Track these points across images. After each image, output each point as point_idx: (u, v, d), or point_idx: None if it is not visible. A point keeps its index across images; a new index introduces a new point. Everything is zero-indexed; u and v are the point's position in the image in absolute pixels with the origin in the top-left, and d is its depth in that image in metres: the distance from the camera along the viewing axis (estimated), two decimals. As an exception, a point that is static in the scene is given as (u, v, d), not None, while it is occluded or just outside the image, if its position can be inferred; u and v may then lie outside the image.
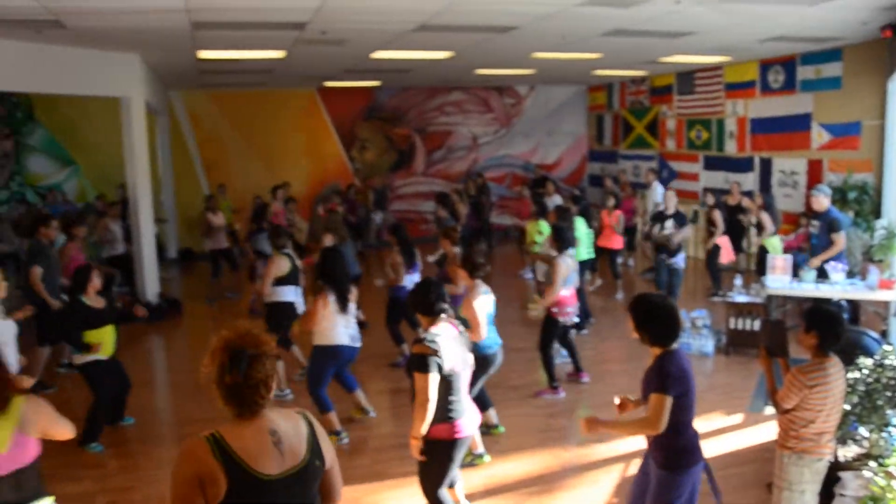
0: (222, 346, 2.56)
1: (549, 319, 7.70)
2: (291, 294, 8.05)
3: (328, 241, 9.09)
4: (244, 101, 17.24)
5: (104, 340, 6.63)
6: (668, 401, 3.81)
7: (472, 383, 5.86)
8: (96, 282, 6.69)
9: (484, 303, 6.10)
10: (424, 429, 4.32)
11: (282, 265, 7.99)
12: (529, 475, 6.01)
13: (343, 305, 6.49)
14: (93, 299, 6.67)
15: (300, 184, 16.98)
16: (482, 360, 5.90)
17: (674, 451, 3.92)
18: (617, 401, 4.35)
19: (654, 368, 3.92)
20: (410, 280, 8.40)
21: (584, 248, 10.36)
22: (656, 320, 3.94)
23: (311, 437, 2.70)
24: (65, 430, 3.65)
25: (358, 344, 6.71)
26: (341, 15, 8.03)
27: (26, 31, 8.61)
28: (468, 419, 4.53)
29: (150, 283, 11.58)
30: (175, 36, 9.19)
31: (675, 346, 3.96)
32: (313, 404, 6.59)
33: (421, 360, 4.30)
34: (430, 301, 4.53)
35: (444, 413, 4.38)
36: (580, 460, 6.26)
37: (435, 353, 4.27)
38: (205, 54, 10.74)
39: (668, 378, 3.82)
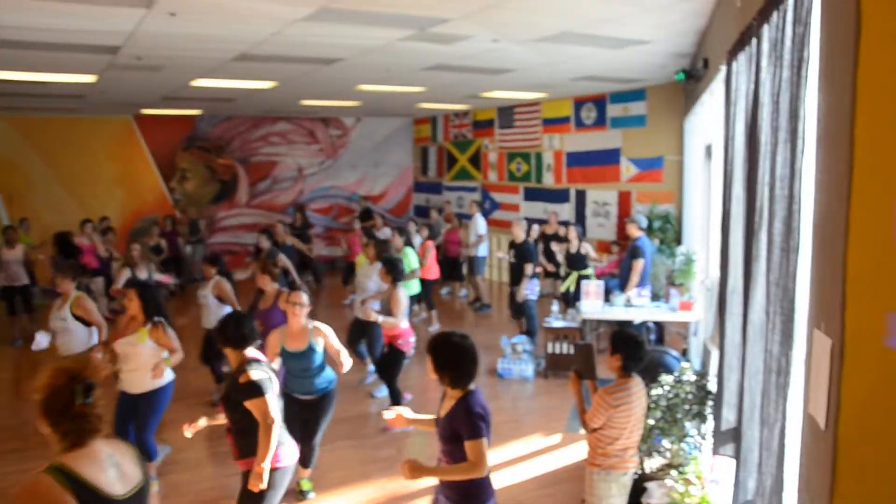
0: (66, 376, 2.64)
1: (396, 351, 7.67)
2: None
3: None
4: (51, 126, 16.20)
5: None
6: (485, 442, 3.75)
7: (316, 429, 5.92)
8: None
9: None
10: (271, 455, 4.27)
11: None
12: (355, 507, 5.97)
13: None
14: None
15: (115, 216, 16.12)
16: (328, 399, 5.95)
17: (472, 486, 3.82)
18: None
19: (461, 412, 3.79)
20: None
21: (414, 280, 10.50)
22: (458, 363, 3.84)
23: (137, 457, 2.83)
24: None
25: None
26: (157, 41, 7.75)
27: None
28: (289, 449, 4.47)
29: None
30: (-33, 55, 8.52)
31: (472, 386, 3.89)
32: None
33: (253, 386, 4.26)
34: (242, 334, 4.45)
35: None
36: (405, 490, 6.28)
37: (266, 376, 4.24)
38: (2, 75, 10.02)
39: (480, 420, 3.75)
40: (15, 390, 9.55)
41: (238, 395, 4.31)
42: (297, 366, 5.79)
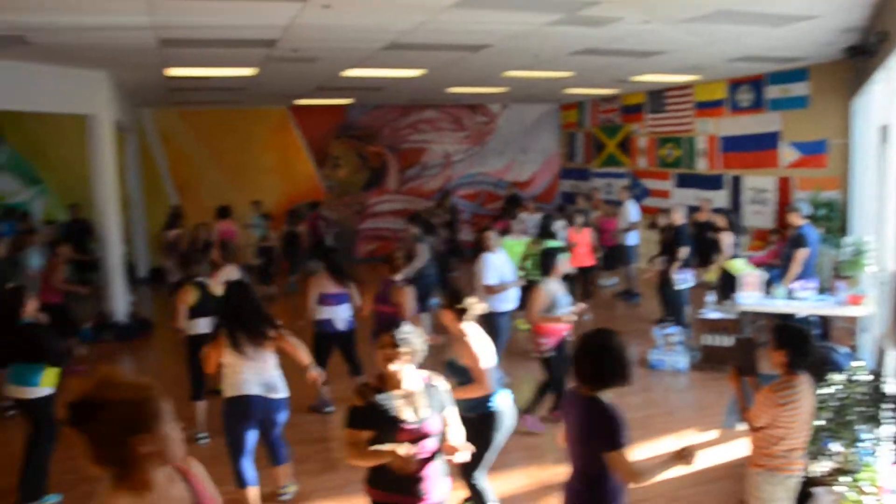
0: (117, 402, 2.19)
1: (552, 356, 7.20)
2: (204, 325, 7.22)
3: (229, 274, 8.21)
4: (215, 119, 17.12)
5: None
6: (626, 452, 3.55)
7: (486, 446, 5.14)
8: (34, 303, 6.12)
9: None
10: None
11: (190, 295, 7.33)
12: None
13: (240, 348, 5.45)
14: (38, 317, 6.30)
15: (271, 202, 16.85)
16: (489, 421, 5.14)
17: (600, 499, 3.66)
18: None
19: (596, 419, 3.59)
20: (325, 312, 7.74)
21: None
22: (608, 363, 3.63)
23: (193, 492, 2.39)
24: None
25: (277, 395, 5.60)
26: (312, 33, 7.98)
27: (-10, 48, 8.48)
28: None
29: (120, 302, 11.39)
30: (143, 53, 9.08)
31: (607, 394, 3.65)
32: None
33: None
34: None
35: None
36: (553, 479, 6.20)
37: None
38: (173, 72, 10.65)
39: (620, 428, 3.55)
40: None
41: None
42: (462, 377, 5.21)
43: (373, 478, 3.82)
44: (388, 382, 3.76)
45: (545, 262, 7.32)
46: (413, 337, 3.77)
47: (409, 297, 7.25)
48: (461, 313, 5.21)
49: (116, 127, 11.84)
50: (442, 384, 3.87)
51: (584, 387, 3.69)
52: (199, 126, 17.12)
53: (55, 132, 15.71)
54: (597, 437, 3.57)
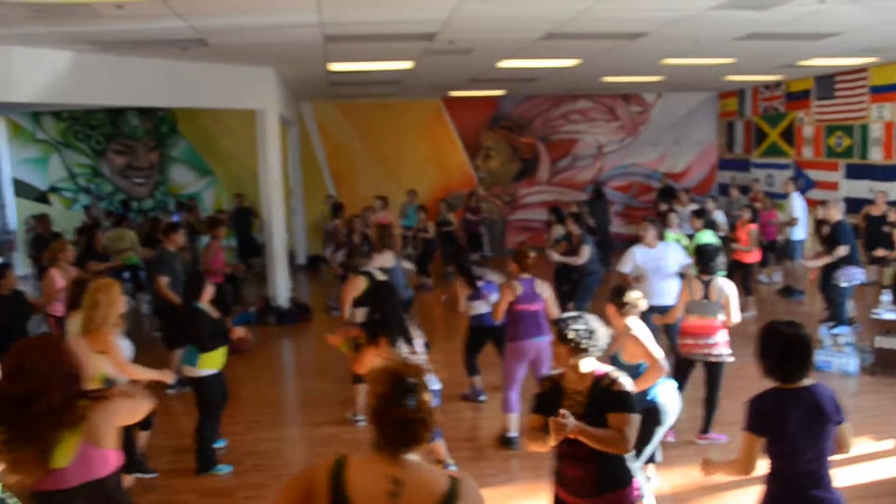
0: (386, 377, 2.41)
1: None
2: None
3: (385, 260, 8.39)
4: (371, 111, 17.64)
5: (222, 353, 6.39)
6: (755, 441, 3.43)
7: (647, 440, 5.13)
8: (209, 291, 6.46)
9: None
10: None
11: (358, 285, 7.39)
12: None
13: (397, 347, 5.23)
14: (208, 308, 6.45)
15: (425, 193, 17.19)
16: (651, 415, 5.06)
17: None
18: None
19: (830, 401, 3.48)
20: (478, 307, 7.74)
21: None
22: (782, 355, 3.50)
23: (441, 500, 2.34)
24: (141, 409, 3.33)
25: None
26: (470, 24, 8.07)
27: (173, 49, 9.11)
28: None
29: (282, 288, 11.98)
30: (308, 49, 9.49)
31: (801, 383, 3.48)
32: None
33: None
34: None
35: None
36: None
37: None
38: (336, 66, 11.05)
39: (756, 415, 3.46)
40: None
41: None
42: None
43: (554, 471, 3.76)
44: (564, 375, 3.71)
45: (702, 257, 6.88)
46: (591, 330, 3.66)
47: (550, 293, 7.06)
48: (624, 308, 5.16)
49: (280, 120, 12.42)
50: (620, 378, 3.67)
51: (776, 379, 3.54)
52: (356, 118, 17.70)
53: (224, 127, 16.73)
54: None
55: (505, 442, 6.75)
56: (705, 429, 6.75)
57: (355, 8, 7.13)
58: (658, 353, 5.08)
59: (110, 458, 3.08)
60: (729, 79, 15.15)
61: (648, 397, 5.07)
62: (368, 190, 16.97)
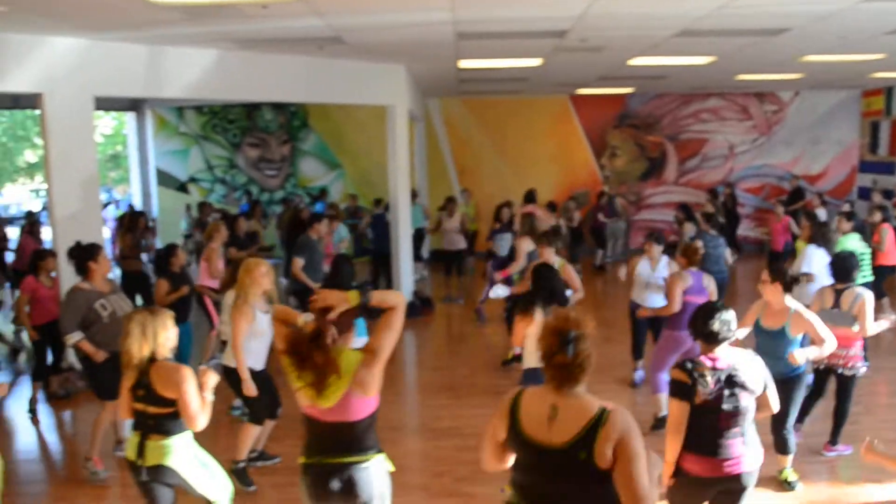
0: (552, 330, 2.92)
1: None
2: None
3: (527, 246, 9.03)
4: (498, 107, 17.69)
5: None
6: None
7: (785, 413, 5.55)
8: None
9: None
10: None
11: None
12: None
13: None
14: None
15: (549, 190, 17.11)
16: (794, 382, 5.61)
17: None
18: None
19: None
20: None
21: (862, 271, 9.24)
22: None
23: (590, 430, 2.83)
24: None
25: None
26: (603, 22, 7.97)
27: (309, 47, 9.43)
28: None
29: (406, 282, 12.21)
30: (439, 47, 9.62)
31: None
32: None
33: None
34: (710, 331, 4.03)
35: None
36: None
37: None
38: (465, 64, 11.15)
39: None
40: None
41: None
42: (768, 343, 5.53)
43: (686, 443, 4.01)
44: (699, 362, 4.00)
45: (836, 266, 6.49)
46: (729, 321, 4.03)
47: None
48: (788, 286, 5.58)
49: (409, 116, 12.64)
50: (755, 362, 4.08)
51: None
52: (482, 114, 17.78)
53: (353, 121, 17.19)
54: None
55: (659, 423, 6.80)
56: (833, 440, 6.48)
57: (489, 6, 7.18)
58: (826, 332, 5.51)
59: (369, 405, 3.55)
60: (876, 76, 14.32)
61: (800, 369, 5.60)
62: (493, 186, 17.05)
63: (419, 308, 11.98)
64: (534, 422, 2.92)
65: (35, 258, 7.96)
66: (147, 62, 9.14)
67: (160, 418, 4.15)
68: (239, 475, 5.85)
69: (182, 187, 17.93)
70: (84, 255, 6.37)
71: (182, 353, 7.87)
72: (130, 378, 4.19)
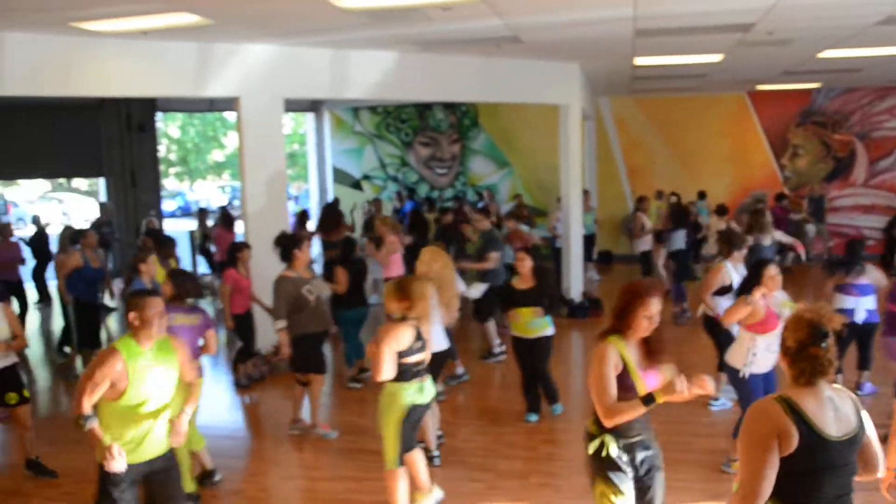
0: (807, 322, 2.98)
1: None
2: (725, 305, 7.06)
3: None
4: (669, 106, 17.16)
5: (524, 321, 7.16)
6: None
7: None
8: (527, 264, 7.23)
9: None
10: None
11: (724, 276, 7.22)
12: None
13: None
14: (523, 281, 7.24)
15: (723, 191, 16.43)
16: None
17: None
18: None
19: None
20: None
21: None
22: None
23: (857, 410, 3.02)
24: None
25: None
26: (794, 12, 7.56)
27: (487, 47, 9.54)
28: None
29: (576, 282, 12.11)
30: (616, 44, 9.48)
31: None
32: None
33: None
34: None
35: None
36: None
37: None
38: (641, 61, 10.91)
39: None
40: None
41: None
42: None
43: None
44: None
45: None
46: None
47: None
48: None
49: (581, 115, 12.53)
50: None
51: None
52: (654, 113, 17.32)
53: (523, 120, 17.20)
54: None
55: None
56: None
57: (672, 0, 6.99)
58: None
59: None
60: None
61: None
62: (664, 186, 16.56)
63: (587, 309, 11.84)
64: (825, 420, 2.92)
65: (233, 250, 8.48)
66: (331, 65, 9.60)
67: None
68: None
69: (356, 184, 18.66)
70: (290, 243, 6.99)
71: (355, 334, 8.64)
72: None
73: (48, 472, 6.33)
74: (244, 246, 8.51)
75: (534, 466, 6.44)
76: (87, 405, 4.04)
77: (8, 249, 11.10)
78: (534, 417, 7.36)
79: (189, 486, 5.56)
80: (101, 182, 17.35)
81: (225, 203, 27.74)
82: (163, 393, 4.21)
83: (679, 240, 11.75)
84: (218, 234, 12.79)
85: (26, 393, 6.25)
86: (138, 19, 7.08)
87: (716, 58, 10.67)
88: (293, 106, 19.13)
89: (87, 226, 13.10)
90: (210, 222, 14.90)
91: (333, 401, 8.36)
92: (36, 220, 14.24)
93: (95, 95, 12.48)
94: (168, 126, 33.48)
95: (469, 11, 7.09)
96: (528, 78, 11.12)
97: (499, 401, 8.15)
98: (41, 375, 9.92)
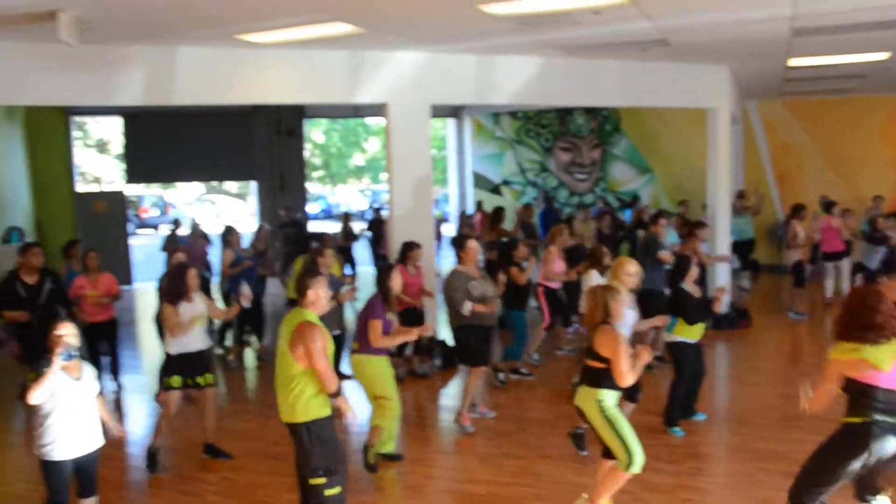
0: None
1: None
2: None
3: None
4: (823, 109, 16.27)
5: (697, 327, 7.11)
6: None
7: None
8: (694, 272, 7.18)
9: None
10: None
11: None
12: None
13: None
14: (692, 287, 7.15)
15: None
16: None
17: None
18: None
19: None
20: None
21: None
22: None
23: None
24: None
25: None
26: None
27: (632, 50, 9.39)
28: None
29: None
30: (770, 45, 9.12)
31: None
32: None
33: None
34: None
35: None
36: None
37: None
38: (795, 62, 10.44)
39: None
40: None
41: None
42: None
43: None
44: None
45: None
46: None
47: None
48: None
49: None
50: None
51: None
52: (805, 116, 16.48)
53: (667, 125, 16.81)
54: None
55: None
56: None
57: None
58: None
59: None
60: None
61: None
62: (816, 192, 15.73)
63: (734, 320, 11.40)
64: None
65: (404, 249, 8.79)
66: (476, 71, 9.73)
67: (591, 369, 5.24)
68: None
69: (495, 189, 18.78)
70: (455, 244, 7.90)
71: (518, 338, 8.88)
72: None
73: (223, 454, 6.80)
74: (415, 246, 8.83)
75: (681, 481, 6.27)
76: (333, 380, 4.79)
77: (200, 247, 12.02)
78: (682, 432, 7.18)
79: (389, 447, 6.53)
80: (252, 185, 18.28)
81: (364, 206, 28.59)
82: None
83: (874, 258, 11.25)
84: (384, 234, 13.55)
85: (214, 377, 6.76)
86: (297, 30, 7.43)
87: (882, 56, 10.05)
88: (435, 111, 19.46)
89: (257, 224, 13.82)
90: (353, 225, 15.39)
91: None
92: (193, 224, 15.13)
93: (253, 103, 13.17)
94: (312, 131, 34.82)
95: (618, 14, 7.00)
96: (674, 81, 10.86)
97: (641, 411, 7.96)
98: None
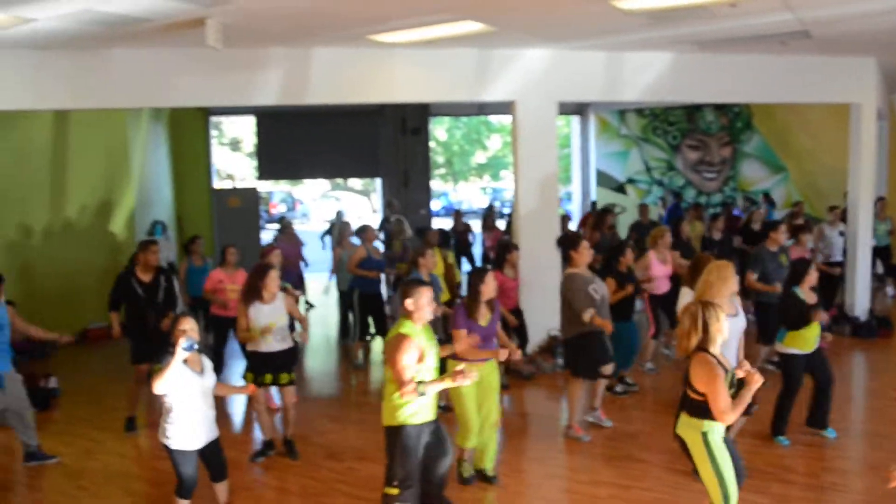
0: None
1: None
2: None
3: None
4: None
5: (810, 336, 6.65)
6: None
7: None
8: (812, 276, 6.69)
9: None
10: None
11: None
12: None
13: None
14: (806, 293, 6.68)
15: None
16: None
17: None
18: None
19: None
20: None
21: None
22: None
23: None
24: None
25: None
26: None
27: (771, 44, 9.00)
28: None
29: (861, 297, 11.04)
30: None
31: None
32: None
33: None
34: None
35: None
36: None
37: None
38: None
39: None
40: None
41: None
42: None
43: None
44: None
45: None
46: None
47: None
48: None
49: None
50: None
51: None
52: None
53: (802, 121, 16.02)
54: None
55: None
56: None
57: None
58: None
59: None
60: None
61: None
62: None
63: (874, 328, 10.75)
64: None
65: (501, 251, 8.64)
66: (604, 68, 9.59)
67: (692, 400, 4.55)
68: None
69: (620, 188, 18.44)
70: (567, 244, 7.23)
71: (629, 350, 8.21)
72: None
73: (294, 453, 6.84)
74: (513, 247, 8.65)
75: (815, 496, 5.97)
76: (410, 388, 4.71)
77: (292, 245, 12.07)
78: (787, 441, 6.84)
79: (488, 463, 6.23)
80: (377, 182, 18.63)
81: (485, 204, 28.63)
82: (431, 368, 4.88)
83: None
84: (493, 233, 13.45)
85: (293, 375, 6.78)
86: (427, 29, 7.52)
87: None
88: (560, 109, 19.37)
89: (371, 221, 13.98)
90: (466, 222, 15.23)
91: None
92: (338, 216, 15.43)
93: (382, 102, 13.43)
94: (436, 129, 35.18)
95: (758, 6, 6.74)
96: (815, 75, 10.32)
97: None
98: (326, 360, 10.91)
